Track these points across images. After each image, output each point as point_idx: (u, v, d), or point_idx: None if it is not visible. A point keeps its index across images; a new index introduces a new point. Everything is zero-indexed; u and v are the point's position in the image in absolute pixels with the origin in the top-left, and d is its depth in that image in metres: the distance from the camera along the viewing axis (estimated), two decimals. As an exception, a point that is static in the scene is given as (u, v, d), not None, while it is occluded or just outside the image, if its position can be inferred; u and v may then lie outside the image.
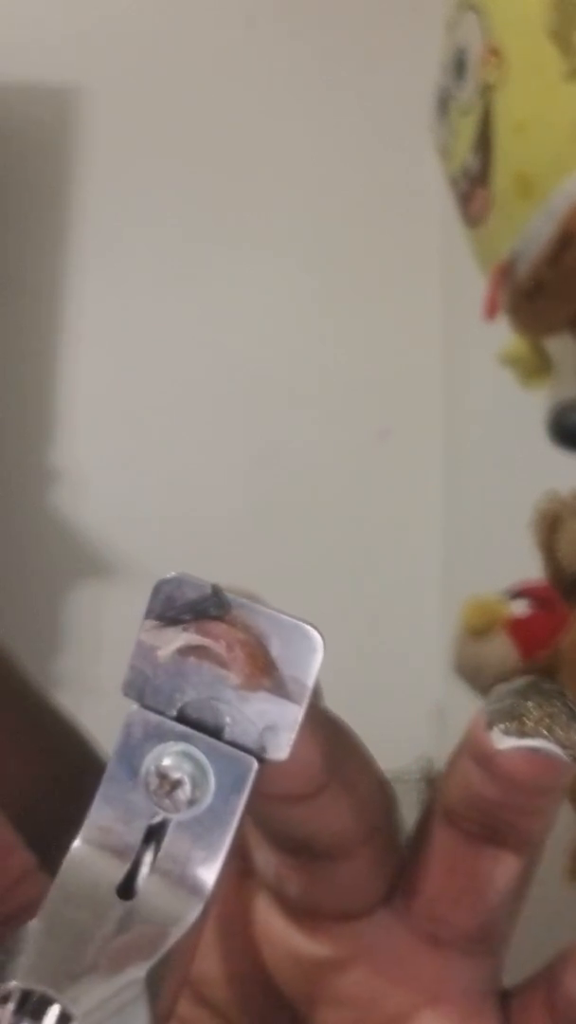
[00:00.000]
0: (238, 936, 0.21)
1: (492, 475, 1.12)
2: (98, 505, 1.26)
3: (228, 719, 0.17)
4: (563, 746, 0.18)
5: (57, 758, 0.40)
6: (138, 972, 0.16)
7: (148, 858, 0.17)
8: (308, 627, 0.17)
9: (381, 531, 1.27)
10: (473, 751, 0.18)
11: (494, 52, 0.61)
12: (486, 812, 0.19)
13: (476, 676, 0.70)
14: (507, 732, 0.18)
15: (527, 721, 0.18)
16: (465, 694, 0.71)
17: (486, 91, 0.62)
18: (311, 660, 0.17)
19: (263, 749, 0.17)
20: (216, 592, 0.17)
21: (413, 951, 0.20)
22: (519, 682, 0.18)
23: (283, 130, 1.32)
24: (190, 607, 0.18)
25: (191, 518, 1.25)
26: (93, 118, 1.31)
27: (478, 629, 0.71)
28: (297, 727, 0.17)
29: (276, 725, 0.17)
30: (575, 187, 0.59)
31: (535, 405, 0.78)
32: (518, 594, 0.74)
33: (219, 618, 0.17)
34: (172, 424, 1.28)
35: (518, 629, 0.70)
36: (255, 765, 0.17)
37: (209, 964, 0.22)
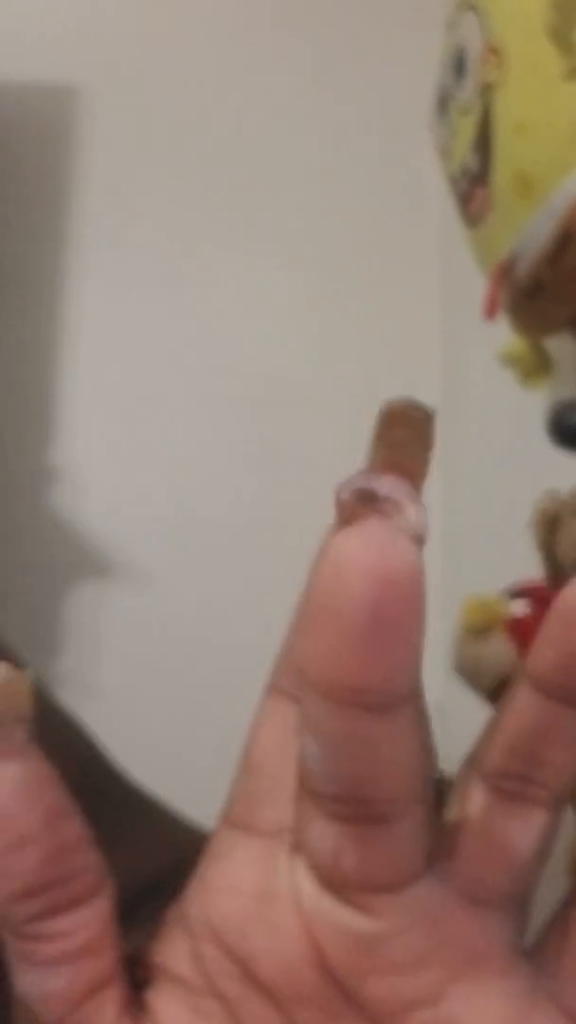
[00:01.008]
0: (286, 914, 0.22)
1: (492, 475, 1.12)
2: (98, 505, 1.26)
3: None
4: None
5: (61, 757, 0.40)
6: None
7: None
8: None
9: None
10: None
11: (494, 52, 0.61)
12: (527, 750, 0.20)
13: (476, 676, 0.70)
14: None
15: None
16: (465, 694, 0.71)
17: (486, 91, 0.62)
18: None
19: None
20: None
21: (454, 912, 0.21)
22: None
23: (283, 130, 1.32)
24: None
25: (191, 518, 1.25)
26: (93, 118, 1.31)
27: (478, 629, 0.71)
28: None
29: None
30: (575, 187, 0.59)
31: (535, 405, 0.78)
32: (518, 594, 0.74)
33: None
34: (172, 424, 1.28)
35: (518, 629, 0.70)
36: None
37: (257, 941, 0.22)
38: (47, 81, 1.31)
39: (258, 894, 0.22)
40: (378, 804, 0.20)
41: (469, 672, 0.71)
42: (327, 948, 0.22)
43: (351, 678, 0.18)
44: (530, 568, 0.72)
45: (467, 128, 0.64)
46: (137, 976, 0.24)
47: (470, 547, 1.18)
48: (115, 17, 1.31)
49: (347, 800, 0.20)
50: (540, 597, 0.72)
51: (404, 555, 0.17)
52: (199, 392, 1.29)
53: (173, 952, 0.23)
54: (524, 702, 0.20)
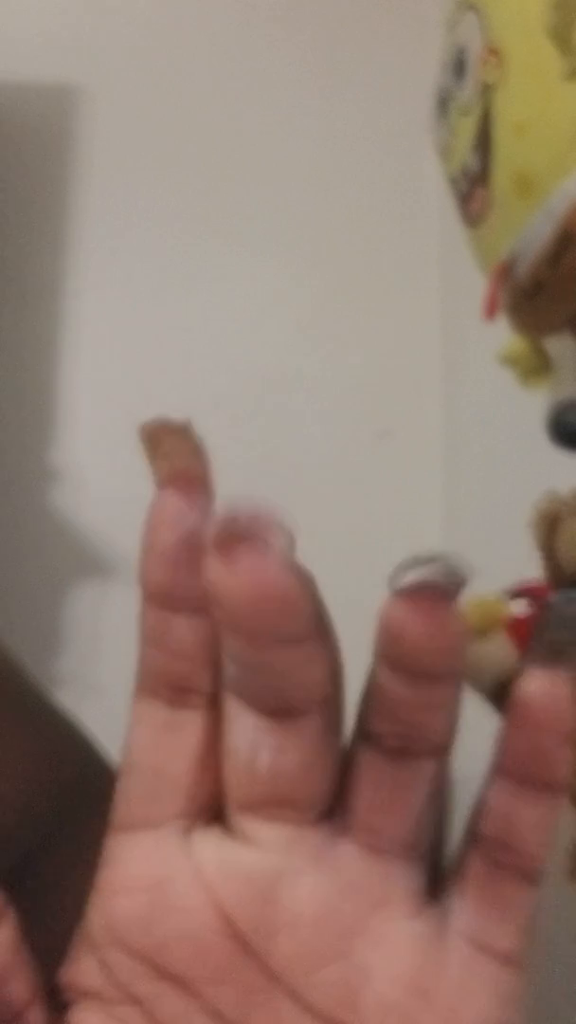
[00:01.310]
0: (188, 892, 0.22)
1: (492, 475, 1.12)
2: (98, 505, 1.26)
3: None
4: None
5: (59, 760, 0.40)
6: None
7: None
8: None
9: (381, 531, 1.27)
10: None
11: (494, 52, 0.61)
12: (397, 717, 0.21)
13: (476, 675, 0.70)
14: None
15: None
16: (464, 693, 0.71)
17: (486, 91, 0.62)
18: None
19: None
20: None
21: (356, 861, 0.22)
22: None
23: (283, 130, 1.32)
24: None
25: (191, 518, 1.25)
26: (93, 118, 1.31)
27: (478, 629, 0.71)
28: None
29: None
30: (575, 187, 0.59)
31: (535, 405, 0.78)
32: (518, 594, 0.74)
33: None
34: (172, 424, 1.28)
35: (518, 629, 0.70)
36: None
37: (162, 929, 0.22)
38: (47, 81, 1.31)
39: (155, 884, 0.23)
40: (289, 699, 0.21)
41: (469, 672, 0.71)
42: (233, 910, 0.22)
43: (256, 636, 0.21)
44: (530, 568, 0.72)
45: (467, 128, 0.64)
46: (58, 1001, 0.24)
47: (470, 547, 1.18)
48: (115, 17, 1.31)
49: (268, 696, 0.21)
50: (540, 597, 0.72)
51: (275, 575, 0.20)
52: (199, 392, 1.29)
53: (81, 968, 0.23)
54: (386, 680, 0.21)
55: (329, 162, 1.31)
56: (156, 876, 0.23)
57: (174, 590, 0.22)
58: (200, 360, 1.29)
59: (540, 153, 0.60)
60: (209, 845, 0.23)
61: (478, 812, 0.22)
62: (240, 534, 0.21)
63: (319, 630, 0.22)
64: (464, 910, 0.22)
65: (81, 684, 1.23)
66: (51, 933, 0.37)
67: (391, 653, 0.21)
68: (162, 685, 0.23)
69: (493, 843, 0.22)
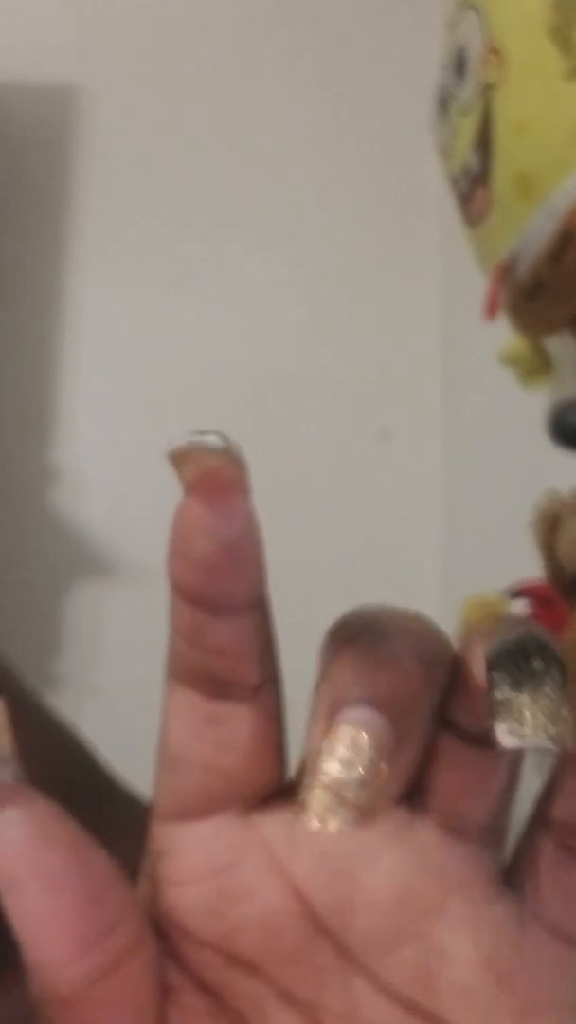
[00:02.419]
0: (260, 873, 0.22)
1: (492, 475, 1.12)
2: (98, 505, 1.26)
3: None
4: (552, 740, 0.19)
5: (55, 766, 0.40)
6: None
7: None
8: None
9: (381, 531, 1.27)
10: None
11: (494, 52, 0.61)
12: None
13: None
14: (511, 732, 0.19)
15: (526, 725, 0.19)
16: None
17: (486, 91, 0.62)
18: None
19: None
20: None
21: (436, 843, 0.22)
22: (515, 642, 0.20)
23: (283, 129, 1.32)
24: None
25: (191, 518, 1.25)
26: (93, 118, 1.31)
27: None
28: None
29: None
30: (575, 187, 0.59)
31: (535, 405, 0.78)
32: (518, 593, 0.74)
33: None
34: (172, 424, 1.28)
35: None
36: None
37: (235, 914, 0.22)
38: (47, 81, 1.31)
39: (222, 870, 0.22)
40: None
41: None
42: (308, 888, 0.22)
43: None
44: (530, 568, 0.72)
45: (467, 128, 0.64)
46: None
47: (470, 547, 1.18)
48: (115, 17, 1.31)
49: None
50: (540, 597, 0.72)
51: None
52: (199, 392, 1.29)
53: None
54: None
55: (329, 162, 1.31)
56: (222, 862, 0.22)
57: (211, 596, 0.21)
58: (200, 360, 1.29)
59: (540, 153, 0.60)
60: (276, 824, 0.22)
61: (548, 797, 0.22)
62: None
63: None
64: (537, 895, 0.22)
65: (81, 684, 1.23)
66: None
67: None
68: (199, 679, 0.22)
69: (564, 828, 0.22)
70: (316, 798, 0.19)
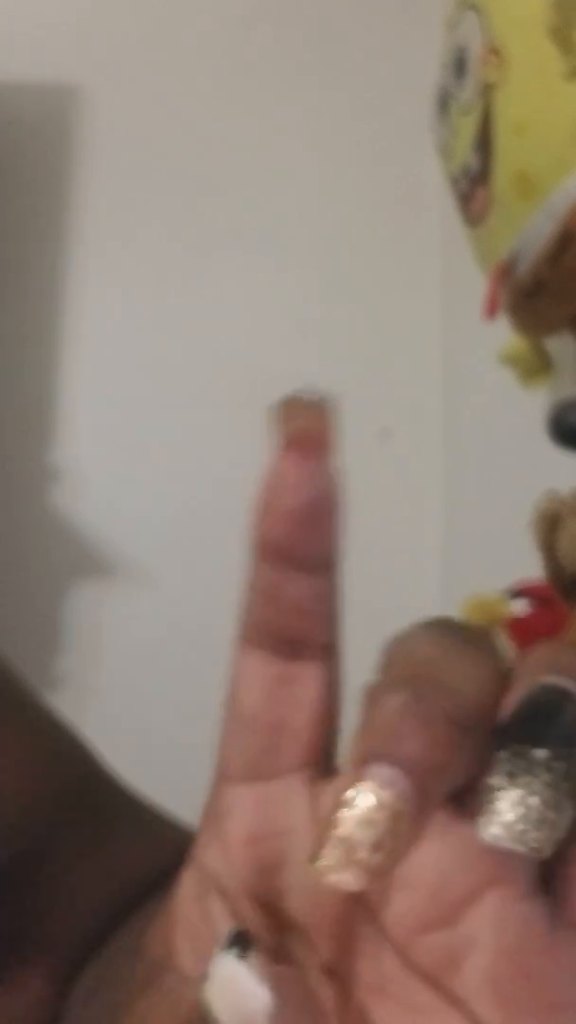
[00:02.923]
0: (308, 840, 0.23)
1: (492, 475, 1.12)
2: (98, 505, 1.26)
3: None
4: (528, 847, 0.20)
5: (57, 769, 0.40)
6: None
7: None
8: None
9: (381, 531, 1.27)
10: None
11: (494, 52, 0.61)
12: None
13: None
14: (488, 824, 0.20)
15: (505, 825, 0.20)
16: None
17: (486, 91, 0.62)
18: None
19: None
20: None
21: (475, 836, 0.22)
22: (532, 709, 0.20)
23: (283, 129, 1.32)
24: None
25: (191, 518, 1.25)
26: (93, 117, 1.31)
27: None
28: None
29: None
30: (575, 186, 0.59)
31: (535, 405, 0.78)
32: (518, 593, 0.74)
33: None
34: (172, 424, 1.28)
35: (518, 628, 0.70)
36: None
37: (285, 877, 0.23)
38: (47, 81, 1.31)
39: (281, 832, 0.23)
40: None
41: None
42: None
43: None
44: (530, 568, 0.72)
45: (467, 128, 0.64)
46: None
47: (470, 547, 1.18)
48: (115, 17, 1.31)
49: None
50: (540, 597, 0.72)
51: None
52: (199, 392, 1.29)
53: (213, 913, 0.24)
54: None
55: (329, 162, 1.31)
56: (280, 826, 0.23)
57: (295, 549, 0.22)
58: (200, 360, 1.29)
59: (540, 153, 0.60)
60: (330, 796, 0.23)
61: None
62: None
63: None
64: (568, 900, 0.22)
65: (81, 684, 1.23)
66: (67, 917, 0.37)
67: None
68: (273, 638, 0.23)
69: None
70: (327, 850, 0.19)
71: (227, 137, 1.31)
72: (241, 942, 0.20)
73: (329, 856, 0.19)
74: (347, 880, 0.19)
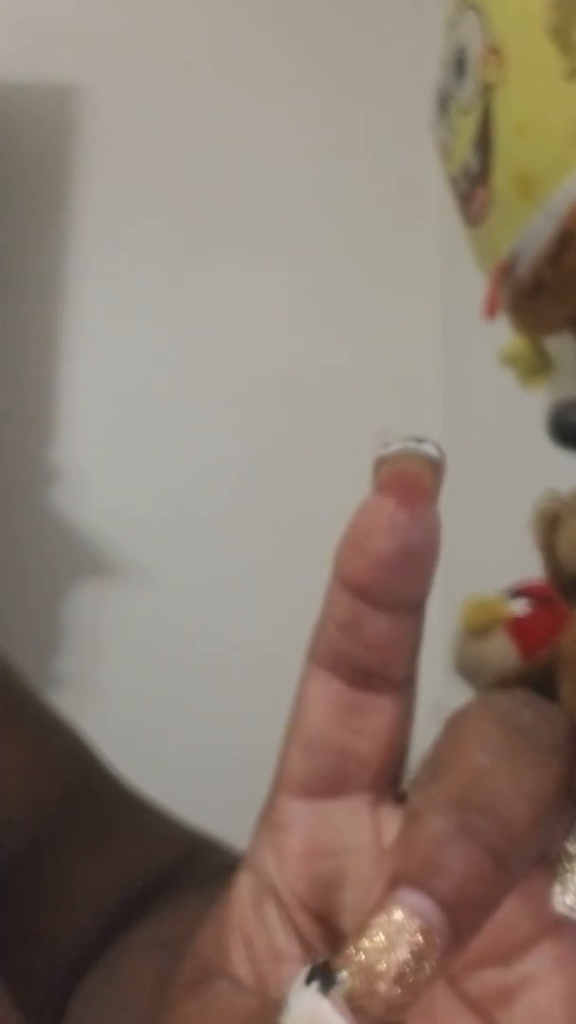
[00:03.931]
0: (370, 864, 0.23)
1: (492, 475, 1.12)
2: (98, 505, 1.26)
3: None
4: None
5: (58, 768, 0.40)
6: None
7: None
8: None
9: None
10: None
11: (494, 51, 0.61)
12: None
13: (476, 675, 0.70)
14: (560, 895, 0.19)
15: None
16: (465, 693, 0.71)
17: (486, 91, 0.62)
18: None
19: None
20: None
21: (535, 881, 0.21)
22: None
23: (283, 130, 1.32)
24: None
25: (191, 518, 1.25)
26: (93, 117, 1.31)
27: (478, 628, 0.71)
28: None
29: None
30: (575, 186, 0.59)
31: (535, 405, 0.78)
32: (518, 593, 0.74)
33: None
34: (172, 424, 1.28)
35: (518, 628, 0.70)
36: None
37: (342, 894, 0.23)
38: (47, 81, 1.31)
39: (340, 851, 0.23)
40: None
41: (469, 672, 0.71)
42: None
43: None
44: (530, 568, 0.72)
45: (467, 128, 0.64)
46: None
47: (470, 547, 1.18)
48: (115, 17, 1.31)
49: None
50: (540, 597, 0.72)
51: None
52: (199, 392, 1.29)
53: (269, 925, 0.24)
54: None
55: (329, 162, 1.31)
56: (340, 844, 0.23)
57: (380, 591, 0.21)
58: (200, 360, 1.29)
59: (540, 153, 0.60)
60: (396, 822, 0.22)
61: None
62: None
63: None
64: None
65: (81, 684, 1.23)
66: (68, 917, 0.37)
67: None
68: (347, 668, 0.22)
69: None
70: (346, 976, 0.18)
71: (227, 137, 1.31)
72: (324, 975, 0.18)
73: (347, 984, 0.18)
74: (364, 1011, 0.18)
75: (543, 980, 0.22)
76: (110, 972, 0.36)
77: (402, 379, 1.29)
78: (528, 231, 0.61)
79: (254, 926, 0.23)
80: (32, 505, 1.26)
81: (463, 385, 1.21)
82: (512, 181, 0.62)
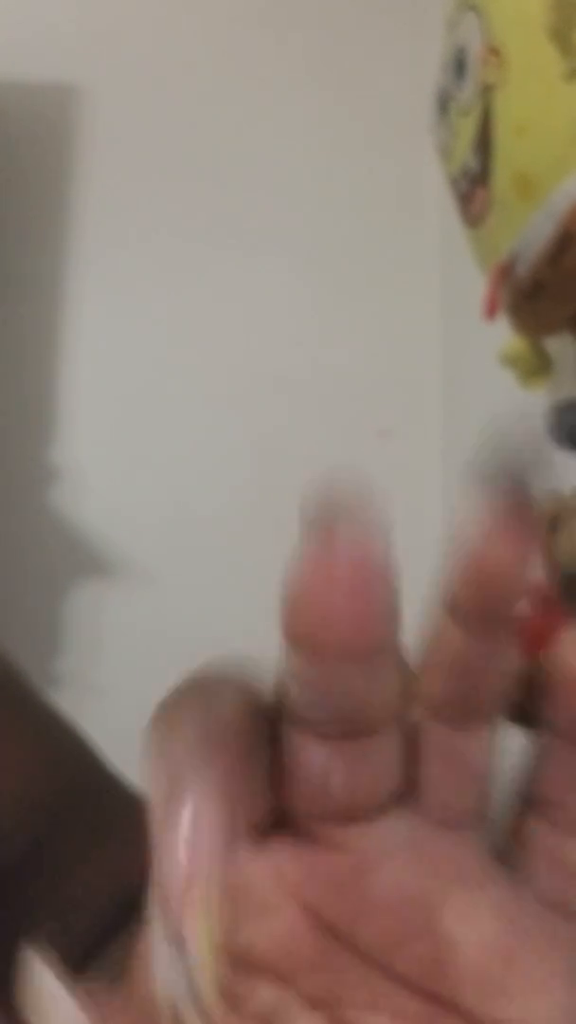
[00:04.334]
0: (270, 894, 0.23)
1: (492, 475, 1.12)
2: (98, 505, 1.26)
3: None
4: None
5: (58, 768, 0.40)
6: None
7: None
8: None
9: (381, 531, 1.27)
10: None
11: (494, 52, 0.61)
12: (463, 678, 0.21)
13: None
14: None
15: None
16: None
17: (486, 91, 0.62)
18: None
19: None
20: None
21: (433, 839, 0.22)
22: None
23: (283, 129, 1.32)
24: None
25: (191, 518, 1.25)
26: (93, 117, 1.31)
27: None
28: None
29: None
30: (575, 187, 0.59)
31: (535, 405, 0.78)
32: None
33: None
34: (172, 424, 1.28)
35: (518, 628, 0.70)
36: None
37: (249, 930, 0.23)
38: (47, 81, 1.31)
39: (236, 892, 0.23)
40: (364, 720, 0.21)
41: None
42: (319, 906, 0.22)
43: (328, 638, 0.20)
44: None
45: (467, 129, 0.64)
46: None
47: (470, 547, 1.18)
48: (115, 17, 1.31)
49: (333, 721, 0.21)
50: (540, 597, 0.72)
51: (363, 562, 0.21)
52: (199, 392, 1.29)
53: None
54: (449, 635, 0.22)
55: (329, 162, 1.31)
56: (235, 885, 0.23)
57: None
58: (200, 360, 1.29)
59: (540, 153, 0.60)
60: (286, 850, 0.23)
61: (534, 776, 0.22)
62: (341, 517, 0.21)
63: (396, 638, 0.21)
64: (531, 873, 0.22)
65: (81, 684, 1.23)
66: (68, 917, 0.37)
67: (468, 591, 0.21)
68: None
69: (553, 805, 0.22)
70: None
71: (227, 137, 1.31)
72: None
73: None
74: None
75: (466, 936, 0.22)
76: (110, 974, 0.36)
77: (402, 379, 1.29)
78: (528, 232, 0.62)
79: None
80: (32, 505, 1.26)
81: (463, 385, 1.21)
82: (512, 182, 0.62)
